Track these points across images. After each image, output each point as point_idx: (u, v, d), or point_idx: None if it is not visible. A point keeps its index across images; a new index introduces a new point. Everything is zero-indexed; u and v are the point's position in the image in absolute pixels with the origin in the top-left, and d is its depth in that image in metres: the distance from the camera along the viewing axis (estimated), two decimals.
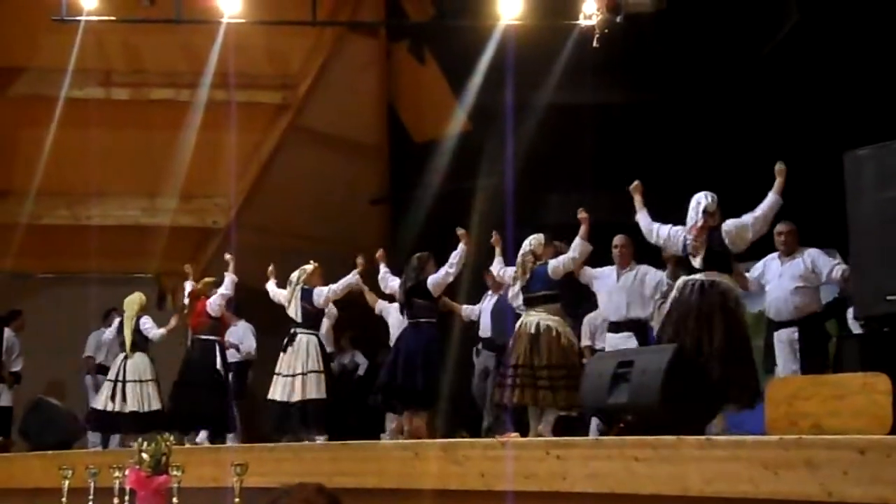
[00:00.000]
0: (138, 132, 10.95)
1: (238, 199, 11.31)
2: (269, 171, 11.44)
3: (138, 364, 8.32)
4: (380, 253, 7.57)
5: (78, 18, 9.45)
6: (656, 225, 6.08)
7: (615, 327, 6.83)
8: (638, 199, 6.19)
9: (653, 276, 6.83)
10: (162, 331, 8.47)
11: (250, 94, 11.03)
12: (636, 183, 6.24)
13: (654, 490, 4.36)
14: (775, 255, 6.60)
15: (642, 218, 6.16)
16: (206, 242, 11.38)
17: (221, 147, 10.54)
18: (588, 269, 6.94)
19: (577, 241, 6.53)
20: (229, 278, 8.14)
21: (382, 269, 7.48)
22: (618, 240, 6.92)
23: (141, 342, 8.42)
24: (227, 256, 8.37)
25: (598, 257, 7.25)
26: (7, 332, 9.79)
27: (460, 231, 7.12)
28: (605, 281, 6.95)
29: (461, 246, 7.05)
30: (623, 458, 4.46)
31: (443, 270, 7.04)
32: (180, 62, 10.88)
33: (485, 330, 7.86)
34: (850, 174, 5.05)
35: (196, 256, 11.16)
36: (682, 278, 5.90)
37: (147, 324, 8.48)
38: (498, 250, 6.98)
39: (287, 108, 11.35)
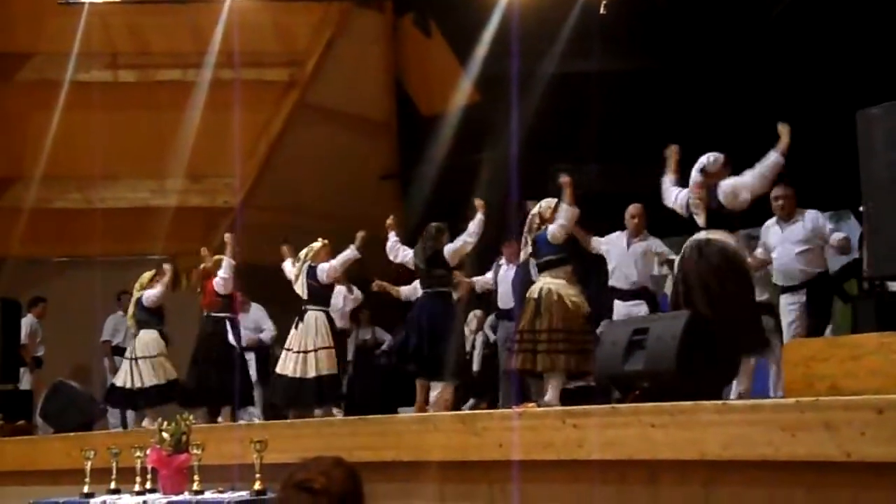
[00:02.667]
0: (146, 114, 10.96)
1: (247, 179, 11.34)
2: (278, 150, 11.44)
3: (143, 340, 8.33)
4: (390, 221, 7.51)
5: (82, 1, 9.44)
6: (675, 189, 6.05)
7: (624, 295, 6.82)
8: (671, 163, 6.09)
9: (658, 247, 6.84)
10: (155, 290, 8.38)
11: (257, 73, 11.02)
12: (674, 148, 6.13)
13: (672, 456, 4.37)
14: (772, 220, 6.57)
15: (667, 180, 6.10)
16: (216, 222, 11.40)
17: (230, 126, 10.54)
18: (596, 240, 6.91)
19: (563, 206, 6.48)
20: (226, 261, 8.12)
21: (392, 237, 7.44)
22: (634, 209, 6.89)
23: (146, 319, 8.39)
24: (227, 237, 8.35)
25: (611, 228, 7.24)
26: (29, 317, 9.89)
27: (478, 201, 7.11)
28: (614, 248, 6.94)
29: (479, 215, 7.04)
30: (640, 424, 4.47)
31: (461, 239, 7.04)
32: (186, 42, 10.86)
33: (504, 301, 7.85)
34: (863, 133, 5.00)
35: (207, 236, 11.19)
36: (688, 241, 5.90)
37: (146, 293, 8.43)
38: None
39: (294, 86, 11.34)
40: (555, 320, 6.17)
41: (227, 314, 8.23)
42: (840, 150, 5.69)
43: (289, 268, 7.85)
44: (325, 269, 7.59)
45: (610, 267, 7.00)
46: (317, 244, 7.72)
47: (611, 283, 7.00)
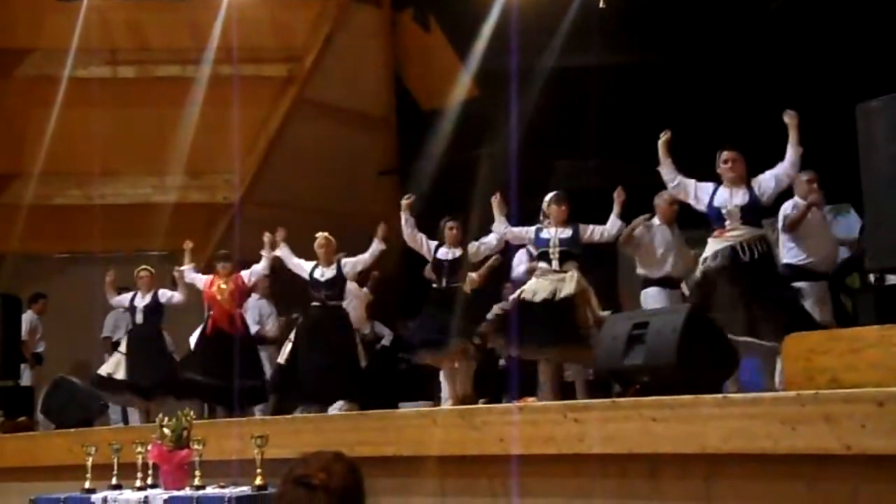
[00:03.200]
0: (145, 110, 10.97)
1: (247, 175, 11.34)
2: (278, 145, 11.44)
3: None
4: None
5: None
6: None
7: (662, 282, 6.77)
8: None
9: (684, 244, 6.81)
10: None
11: (256, 68, 11.02)
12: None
13: (672, 449, 4.37)
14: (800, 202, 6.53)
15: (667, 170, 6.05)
16: (216, 218, 11.41)
17: (229, 122, 10.54)
18: (637, 236, 6.81)
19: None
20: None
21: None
22: (670, 196, 6.71)
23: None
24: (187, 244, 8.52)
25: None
26: (29, 313, 9.91)
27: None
28: (658, 237, 6.86)
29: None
30: (640, 418, 4.47)
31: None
32: (185, 38, 10.87)
33: None
34: (863, 127, 4.99)
35: (208, 233, 11.21)
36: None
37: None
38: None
39: (293, 81, 11.34)
40: None
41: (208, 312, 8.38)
42: (839, 142, 5.69)
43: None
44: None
45: (658, 254, 6.83)
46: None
47: (662, 272, 6.84)
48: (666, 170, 6.01)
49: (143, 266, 8.78)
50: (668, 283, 6.80)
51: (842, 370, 4.24)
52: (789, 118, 5.82)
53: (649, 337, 4.91)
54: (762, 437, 4.02)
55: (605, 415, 4.69)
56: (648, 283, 6.88)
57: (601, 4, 8.58)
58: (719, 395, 4.47)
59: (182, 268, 8.39)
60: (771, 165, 5.94)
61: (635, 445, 4.51)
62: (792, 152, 5.84)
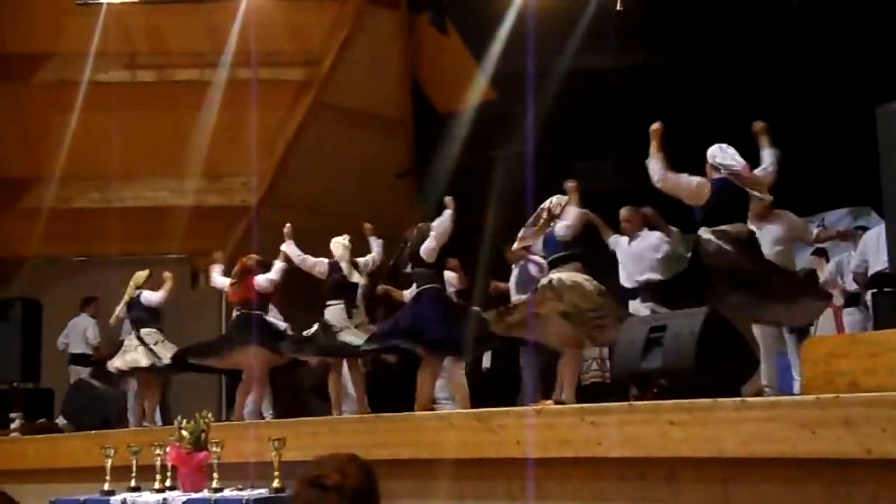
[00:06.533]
0: (164, 113, 11.02)
1: (265, 178, 11.38)
2: (295, 149, 11.48)
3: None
4: (367, 227, 7.69)
5: (100, 2, 9.50)
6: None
7: None
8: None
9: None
10: (159, 295, 8.39)
11: (274, 72, 11.06)
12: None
13: (690, 453, 4.35)
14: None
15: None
16: (235, 222, 11.46)
17: (247, 126, 10.59)
18: None
19: (571, 208, 6.47)
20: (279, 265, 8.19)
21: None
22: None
23: (146, 318, 8.43)
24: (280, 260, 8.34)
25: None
26: (83, 316, 9.96)
27: (448, 199, 7.11)
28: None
29: (446, 212, 7.02)
30: (658, 422, 4.46)
31: (430, 238, 7.04)
32: (203, 42, 10.92)
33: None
34: (883, 128, 4.95)
35: (226, 236, 11.25)
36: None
37: (148, 294, 8.46)
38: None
39: (311, 85, 11.37)
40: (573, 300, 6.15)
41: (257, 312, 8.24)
42: (860, 144, 5.65)
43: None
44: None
45: None
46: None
47: None
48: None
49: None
50: None
51: (862, 374, 4.20)
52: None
53: (667, 340, 4.89)
54: (781, 441, 4.00)
55: (622, 418, 4.67)
56: None
57: (618, 6, 8.55)
58: (738, 399, 4.45)
59: (212, 267, 8.33)
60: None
61: (653, 449, 4.49)
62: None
